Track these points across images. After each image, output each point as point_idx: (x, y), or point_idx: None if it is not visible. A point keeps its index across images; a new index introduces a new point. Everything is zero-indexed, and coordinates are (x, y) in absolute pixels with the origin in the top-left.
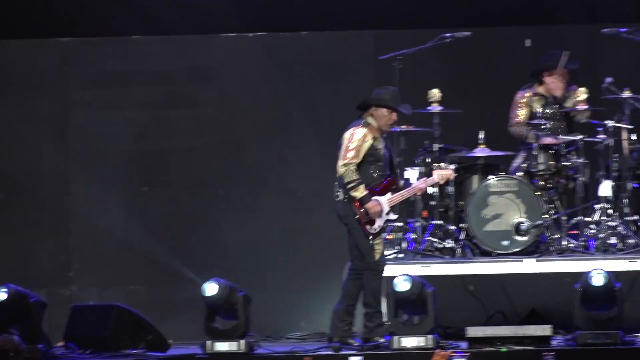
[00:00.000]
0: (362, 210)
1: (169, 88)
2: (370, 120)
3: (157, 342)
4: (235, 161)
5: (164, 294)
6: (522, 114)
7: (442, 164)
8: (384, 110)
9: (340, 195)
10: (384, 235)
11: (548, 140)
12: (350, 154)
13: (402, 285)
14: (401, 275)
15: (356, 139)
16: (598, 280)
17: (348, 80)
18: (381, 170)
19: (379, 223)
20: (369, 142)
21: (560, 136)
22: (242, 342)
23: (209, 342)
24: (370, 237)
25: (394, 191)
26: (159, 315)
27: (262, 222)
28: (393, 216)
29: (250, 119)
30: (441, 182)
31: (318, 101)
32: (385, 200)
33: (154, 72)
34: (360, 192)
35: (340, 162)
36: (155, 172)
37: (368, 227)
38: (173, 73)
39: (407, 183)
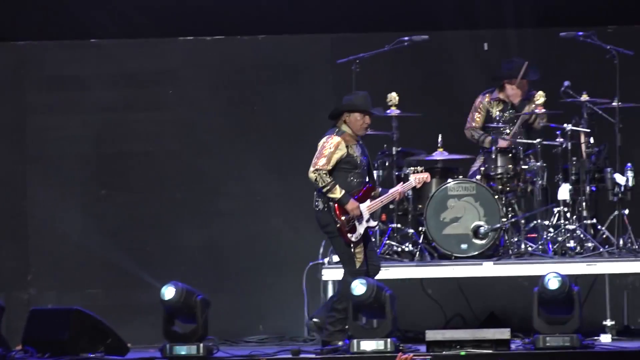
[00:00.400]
0: (343, 218)
1: (127, 91)
2: (344, 127)
3: (116, 346)
4: (194, 165)
5: (122, 298)
6: (478, 118)
7: (418, 168)
8: (357, 115)
9: (320, 204)
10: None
11: (504, 143)
12: (322, 161)
13: (358, 289)
14: (357, 279)
15: (328, 147)
16: (553, 283)
17: (306, 83)
18: (359, 177)
19: (359, 231)
20: (342, 150)
21: (519, 140)
22: (201, 345)
23: (167, 346)
24: (352, 245)
25: (373, 198)
26: (117, 318)
27: (221, 225)
28: (373, 223)
29: (209, 123)
30: (418, 186)
31: (276, 105)
32: (365, 207)
33: (112, 76)
34: (337, 193)
35: (311, 169)
36: (113, 175)
37: (349, 235)
38: (131, 76)
39: (384, 190)
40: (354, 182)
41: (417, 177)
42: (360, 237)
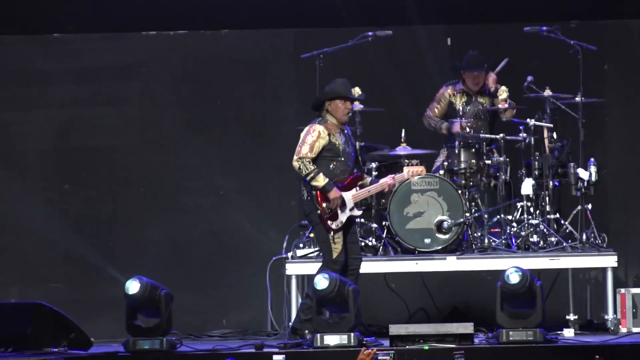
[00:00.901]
0: (324, 205)
1: (90, 86)
2: (327, 116)
3: (79, 340)
4: (158, 159)
5: (85, 292)
6: (437, 109)
7: (413, 161)
8: (338, 102)
9: (305, 193)
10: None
11: (456, 127)
12: (305, 149)
13: (321, 283)
14: (320, 273)
15: (311, 135)
16: (514, 278)
17: (269, 78)
18: (343, 166)
19: (341, 219)
20: (325, 138)
21: (481, 134)
22: (164, 340)
23: (131, 341)
24: (331, 233)
25: (360, 187)
26: (80, 313)
27: (184, 220)
28: (357, 212)
29: (172, 117)
30: (411, 179)
31: (240, 99)
32: (350, 196)
33: (75, 70)
34: (320, 181)
35: (295, 157)
36: (76, 170)
37: (330, 222)
38: (94, 71)
39: (374, 180)
40: (336, 170)
41: (410, 170)
42: (341, 226)
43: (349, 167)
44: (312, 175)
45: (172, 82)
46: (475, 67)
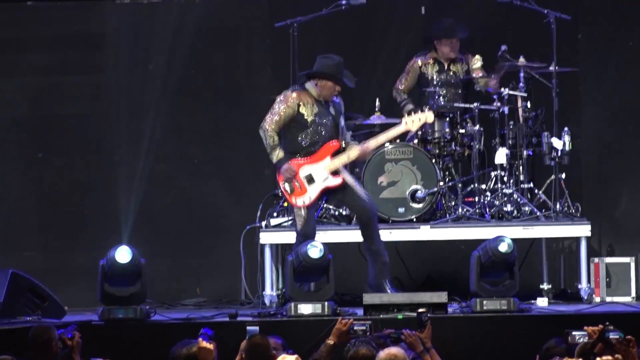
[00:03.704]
0: (281, 183)
1: (64, 54)
2: (308, 85)
3: (53, 309)
4: (131, 128)
5: (59, 261)
6: (405, 80)
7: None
8: (329, 82)
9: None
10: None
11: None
12: (269, 118)
13: (313, 252)
14: (313, 241)
15: (279, 103)
16: (503, 247)
17: (243, 46)
18: (312, 137)
19: (309, 194)
20: (292, 108)
21: (455, 104)
22: (139, 308)
23: (105, 309)
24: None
25: (335, 155)
26: (54, 281)
27: (158, 188)
28: (333, 181)
29: (145, 86)
30: (413, 130)
31: (214, 68)
32: (322, 167)
33: (48, 38)
34: (274, 157)
35: (261, 125)
36: (50, 138)
37: (294, 198)
38: (67, 39)
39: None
40: (304, 142)
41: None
42: (313, 200)
43: (323, 137)
44: (268, 149)
45: (145, 50)
46: (453, 34)
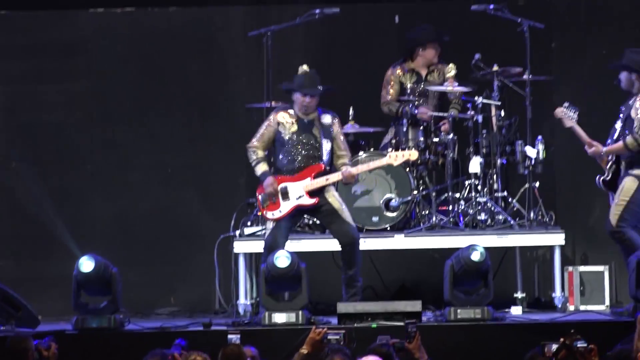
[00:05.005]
0: (259, 196)
1: (38, 63)
2: (295, 104)
3: (27, 318)
4: (104, 137)
5: (33, 270)
6: (392, 90)
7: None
8: (297, 95)
9: None
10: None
11: (422, 110)
12: (255, 137)
13: (281, 262)
14: (280, 251)
15: (265, 124)
16: (475, 256)
17: (217, 56)
18: (290, 155)
19: (281, 208)
20: (272, 127)
21: (431, 112)
22: (113, 318)
23: (79, 319)
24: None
25: (317, 176)
26: (27, 291)
27: (132, 197)
28: (307, 201)
29: (119, 94)
30: (394, 164)
31: (188, 77)
32: (301, 186)
33: (22, 47)
34: (258, 171)
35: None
36: (23, 147)
37: (265, 211)
38: (41, 48)
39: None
40: (285, 159)
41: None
42: (280, 215)
43: (302, 155)
44: (252, 165)
45: (119, 59)
46: (437, 37)
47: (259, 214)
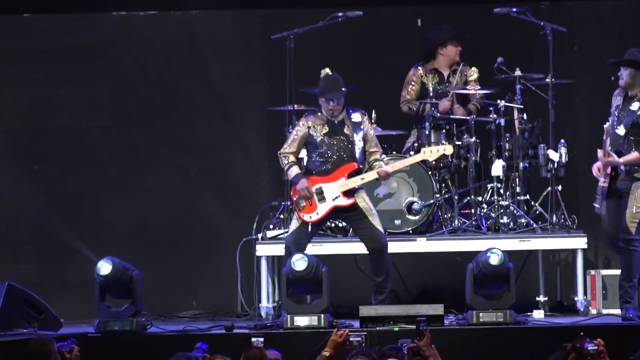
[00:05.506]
0: (294, 198)
1: (59, 66)
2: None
3: (49, 321)
4: (126, 140)
5: (55, 273)
6: (412, 90)
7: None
8: (322, 100)
9: None
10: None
11: (443, 104)
12: (286, 143)
13: (299, 265)
14: (298, 254)
15: (295, 127)
16: (494, 259)
17: (240, 59)
18: (322, 155)
19: (318, 210)
20: (302, 130)
21: (452, 115)
22: (135, 320)
23: (101, 321)
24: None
25: (351, 176)
26: (50, 294)
27: (154, 200)
28: (344, 202)
29: (140, 98)
30: (430, 160)
31: (210, 80)
32: (336, 186)
33: (44, 50)
34: (291, 174)
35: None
36: (45, 150)
37: (302, 213)
38: (63, 51)
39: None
40: (317, 160)
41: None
42: (317, 218)
43: (335, 155)
44: (285, 169)
45: (141, 62)
46: (457, 35)
47: (282, 216)
